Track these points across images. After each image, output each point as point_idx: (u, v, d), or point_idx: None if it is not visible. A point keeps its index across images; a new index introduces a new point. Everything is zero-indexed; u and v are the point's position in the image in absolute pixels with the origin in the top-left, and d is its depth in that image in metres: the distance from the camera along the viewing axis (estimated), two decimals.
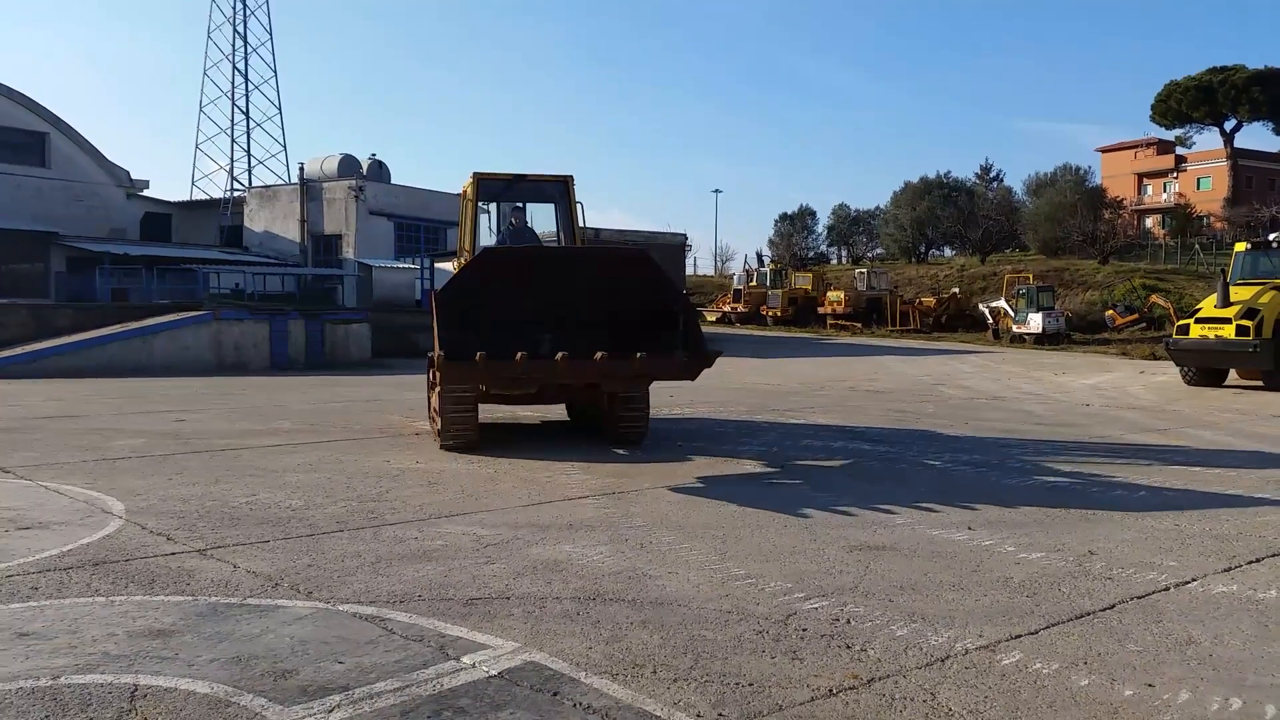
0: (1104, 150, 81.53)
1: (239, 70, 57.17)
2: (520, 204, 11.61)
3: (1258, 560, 5.79)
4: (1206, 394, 18.06)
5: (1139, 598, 4.99)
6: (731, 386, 18.03)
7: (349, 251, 38.38)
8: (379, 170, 42.25)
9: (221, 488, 7.75)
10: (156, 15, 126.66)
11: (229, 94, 57.43)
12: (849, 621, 4.55)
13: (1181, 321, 20.14)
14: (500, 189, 11.65)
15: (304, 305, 30.17)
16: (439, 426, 9.94)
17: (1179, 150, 75.44)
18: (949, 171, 69.67)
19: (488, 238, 11.82)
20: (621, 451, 9.94)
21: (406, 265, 35.69)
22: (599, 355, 8.55)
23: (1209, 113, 64.34)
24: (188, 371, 22.79)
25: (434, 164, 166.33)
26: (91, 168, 39.60)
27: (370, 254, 37.21)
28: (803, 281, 52.69)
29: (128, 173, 41.02)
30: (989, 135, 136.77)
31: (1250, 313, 18.16)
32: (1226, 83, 61.68)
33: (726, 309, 51.88)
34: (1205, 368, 19.35)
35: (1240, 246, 21.05)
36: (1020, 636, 4.37)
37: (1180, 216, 67.08)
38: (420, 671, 3.85)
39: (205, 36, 61.49)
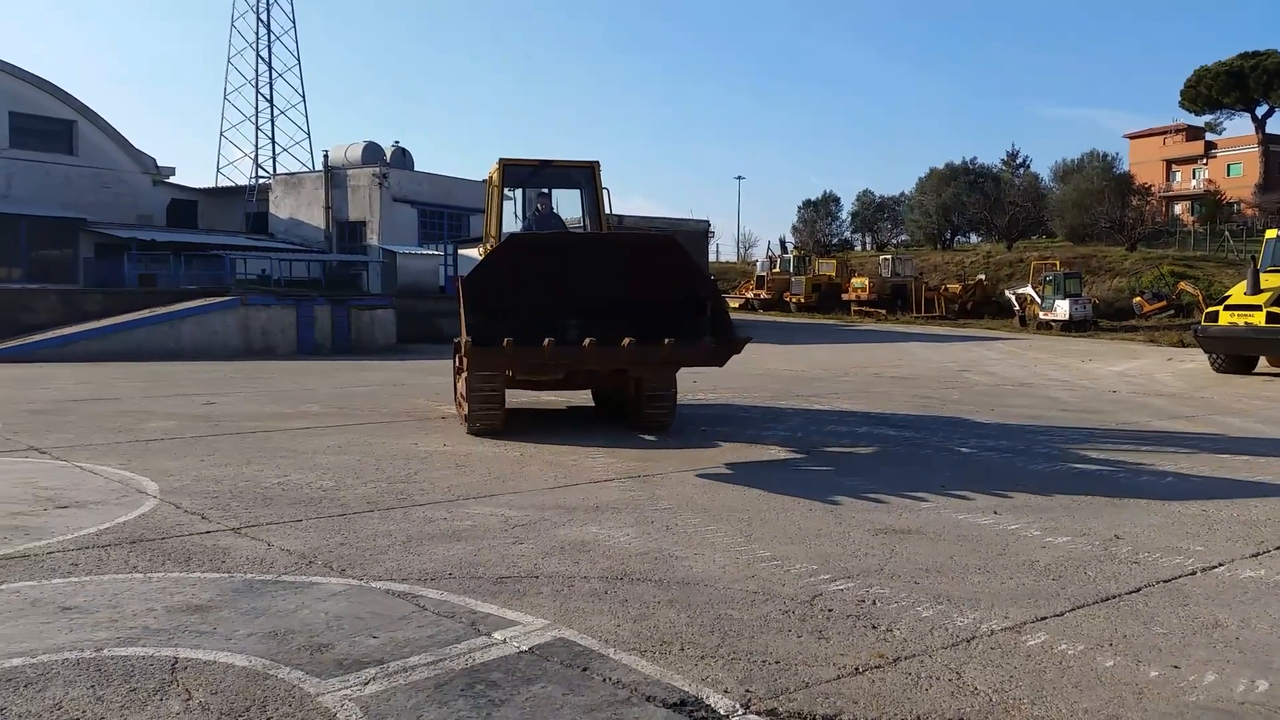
0: (1132, 136, 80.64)
1: (262, 59, 57.35)
2: (546, 190, 11.62)
3: None
4: (1235, 381, 17.92)
5: (1165, 581, 4.99)
6: (755, 372, 18.03)
7: (373, 238, 38.59)
8: (402, 157, 42.46)
9: (253, 469, 7.87)
10: (180, 4, 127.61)
11: (253, 82, 57.63)
12: (874, 603, 4.58)
13: (1211, 308, 19.96)
14: (526, 175, 11.65)
15: (330, 291, 30.42)
16: (466, 411, 10.00)
17: (1209, 136, 74.50)
18: (975, 158, 69.02)
19: (513, 224, 11.83)
20: (647, 436, 9.97)
21: (430, 252, 35.86)
22: (627, 341, 8.51)
23: (1240, 98, 63.60)
24: (215, 356, 23.06)
25: (457, 151, 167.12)
26: (118, 155, 39.95)
27: (394, 241, 37.39)
28: (826, 268, 52.30)
29: (154, 160, 41.38)
30: (1015, 121, 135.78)
31: None
32: (1258, 68, 60.91)
33: (750, 295, 51.65)
34: (1234, 355, 19.20)
35: (1271, 233, 20.85)
36: (1046, 618, 4.38)
37: (1210, 203, 66.34)
38: (453, 646, 3.91)
39: (229, 25, 61.90)
